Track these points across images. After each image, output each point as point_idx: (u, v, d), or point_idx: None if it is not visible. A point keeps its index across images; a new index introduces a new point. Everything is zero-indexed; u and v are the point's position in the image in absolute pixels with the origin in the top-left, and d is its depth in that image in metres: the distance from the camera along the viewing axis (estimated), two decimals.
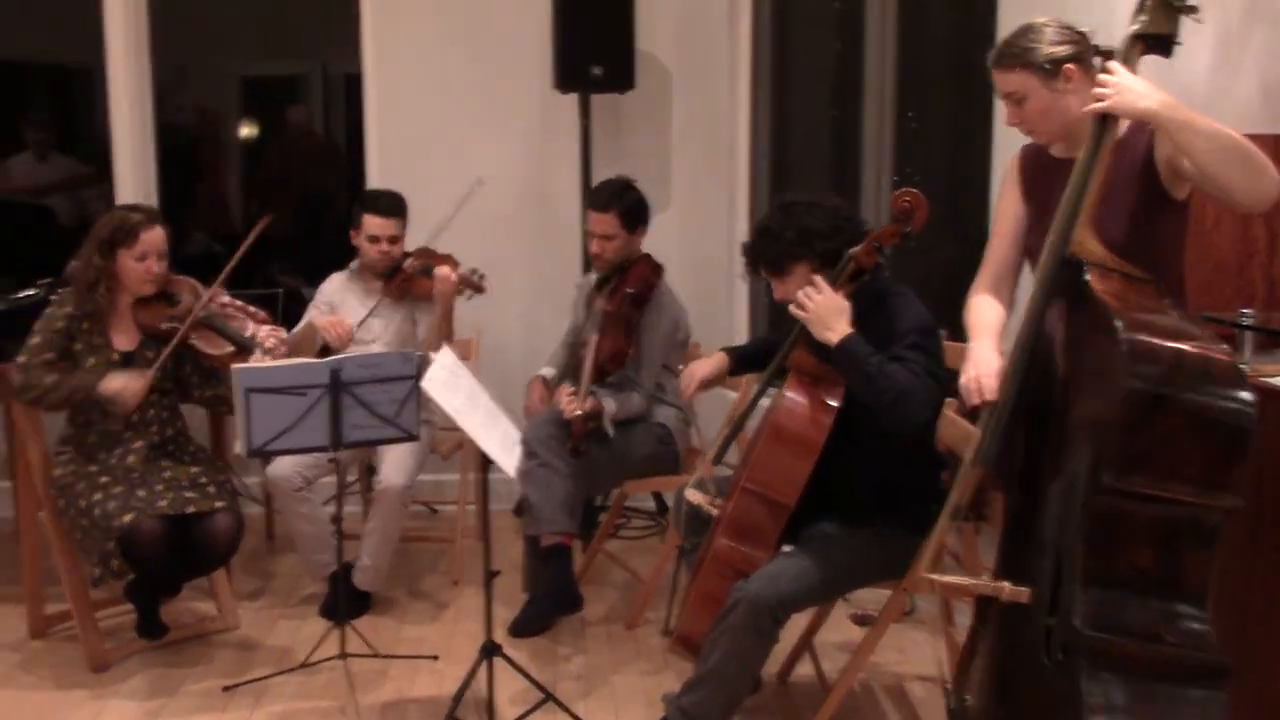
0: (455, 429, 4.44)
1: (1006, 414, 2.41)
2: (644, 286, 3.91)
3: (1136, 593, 2.18)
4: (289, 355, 4.17)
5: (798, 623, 3.25)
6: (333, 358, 3.33)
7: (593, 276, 4.17)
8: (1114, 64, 2.38)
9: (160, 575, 3.65)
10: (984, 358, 2.61)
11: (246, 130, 7.27)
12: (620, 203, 3.93)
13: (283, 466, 3.88)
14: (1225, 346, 2.18)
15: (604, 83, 4.63)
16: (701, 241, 5.08)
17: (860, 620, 3.84)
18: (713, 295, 5.08)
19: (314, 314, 4.20)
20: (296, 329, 4.15)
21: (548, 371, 4.16)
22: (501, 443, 3.01)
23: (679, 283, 4.10)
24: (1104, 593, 2.18)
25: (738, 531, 2.96)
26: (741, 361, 3.37)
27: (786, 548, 3.12)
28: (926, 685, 3.56)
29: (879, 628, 2.99)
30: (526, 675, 3.30)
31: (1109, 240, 2.44)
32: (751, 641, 2.86)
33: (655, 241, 4.92)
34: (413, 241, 4.23)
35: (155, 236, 3.65)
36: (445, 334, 4.10)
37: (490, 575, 3.17)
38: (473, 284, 4.02)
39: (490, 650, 3.18)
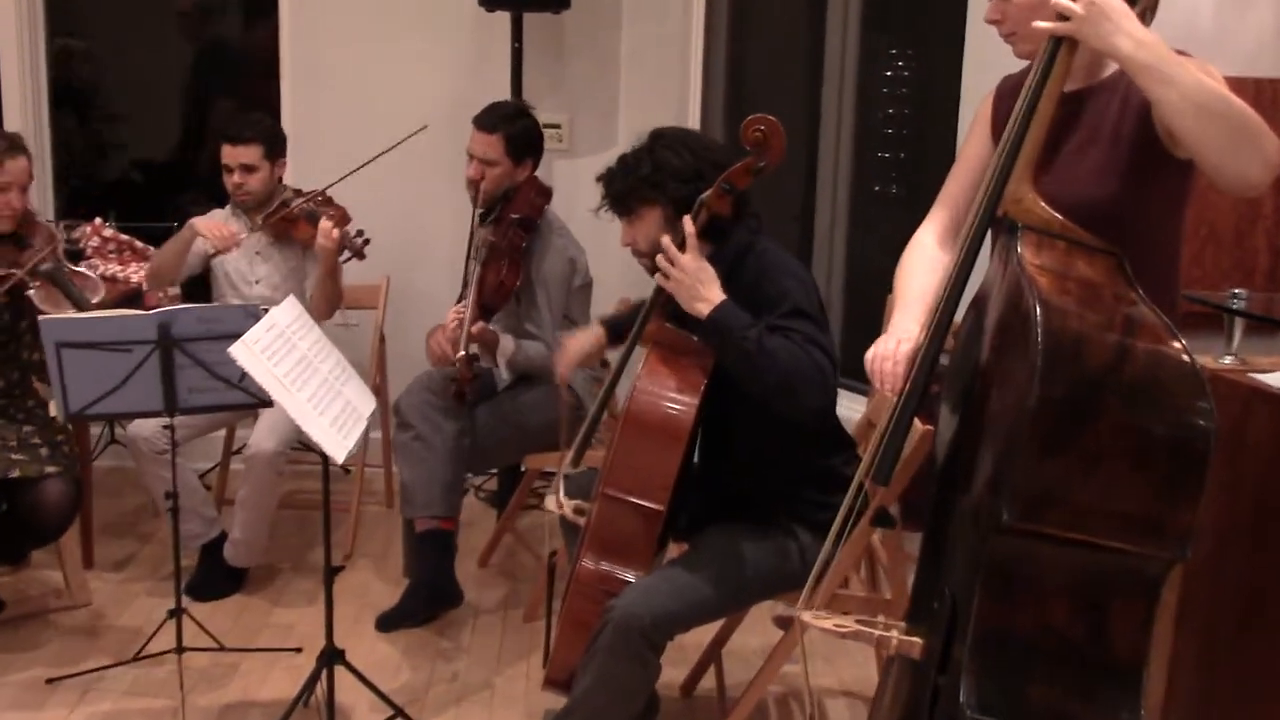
0: None
1: (908, 418, 1.91)
2: (531, 210, 3.41)
3: (1046, 662, 1.68)
4: (148, 280, 3.73)
5: (709, 626, 2.79)
6: (162, 309, 2.86)
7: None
8: None
9: None
10: (901, 332, 2.06)
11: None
12: (508, 126, 3.41)
13: (145, 425, 3.42)
14: (1181, 344, 1.66)
15: None
16: None
17: (784, 623, 3.36)
18: None
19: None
20: (160, 250, 3.70)
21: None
22: (339, 419, 2.53)
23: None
24: (1002, 659, 1.68)
25: (604, 546, 2.48)
26: (620, 332, 2.88)
27: (674, 551, 2.66)
28: (853, 703, 3.10)
29: (769, 670, 2.52)
30: (372, 687, 2.85)
31: (1086, 201, 1.92)
32: (624, 670, 2.39)
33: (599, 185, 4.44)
34: (320, 180, 3.73)
35: (19, 166, 3.20)
36: (331, 294, 3.63)
37: (332, 571, 2.72)
38: (352, 246, 3.52)
39: (330, 658, 2.72)
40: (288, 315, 2.63)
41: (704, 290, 2.40)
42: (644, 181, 2.50)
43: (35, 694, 3.02)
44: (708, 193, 2.43)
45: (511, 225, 3.38)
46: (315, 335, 2.69)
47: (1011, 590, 1.72)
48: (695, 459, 2.64)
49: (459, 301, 3.47)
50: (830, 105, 4.12)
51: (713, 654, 3.08)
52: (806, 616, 1.94)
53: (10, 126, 4.48)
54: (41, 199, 4.59)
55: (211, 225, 3.57)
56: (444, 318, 3.39)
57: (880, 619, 1.94)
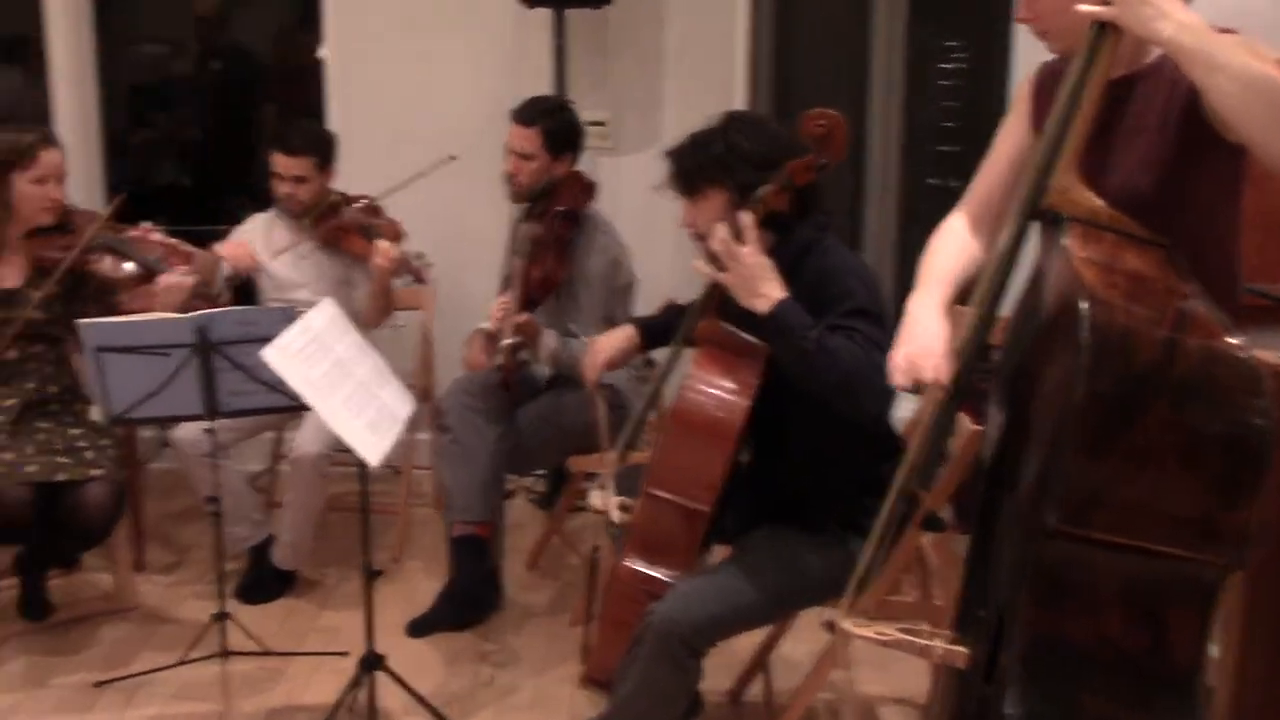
0: (408, 385, 4.02)
1: (949, 419, 1.84)
2: (576, 203, 3.38)
3: (1099, 672, 1.61)
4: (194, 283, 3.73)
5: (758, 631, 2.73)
6: (200, 313, 2.85)
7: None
8: None
9: (32, 549, 3.24)
10: (923, 325, 1.98)
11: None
12: (547, 119, 3.37)
13: (190, 428, 3.42)
14: (1237, 338, 1.59)
15: None
16: None
17: (833, 628, 3.29)
18: None
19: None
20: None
21: (488, 325, 3.63)
22: (375, 421, 2.51)
23: (667, 231, 3.49)
24: (1051, 669, 1.62)
25: (646, 546, 2.43)
26: (654, 334, 2.82)
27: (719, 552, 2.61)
28: (906, 711, 3.03)
29: (816, 678, 2.46)
30: (412, 692, 2.82)
31: (1130, 190, 1.85)
32: (664, 675, 2.34)
33: (645, 183, 4.33)
34: (365, 182, 3.71)
35: (55, 158, 3.22)
36: (384, 308, 3.63)
37: (371, 575, 2.70)
38: (413, 271, 3.50)
39: (371, 663, 2.70)
40: (323, 318, 2.61)
41: (763, 285, 2.31)
42: (714, 161, 2.41)
43: (84, 697, 3.03)
44: (766, 188, 2.36)
45: (557, 217, 3.34)
46: (352, 338, 2.67)
47: (1060, 597, 1.65)
48: (746, 458, 2.59)
49: (501, 295, 3.44)
50: (878, 98, 4.05)
51: (761, 660, 3.02)
52: (847, 624, 1.88)
53: (62, 129, 4.52)
54: (91, 203, 4.62)
55: (232, 246, 3.60)
56: (481, 316, 3.37)
57: (924, 627, 1.88)
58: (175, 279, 3.23)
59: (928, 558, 2.85)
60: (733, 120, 2.48)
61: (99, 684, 3.07)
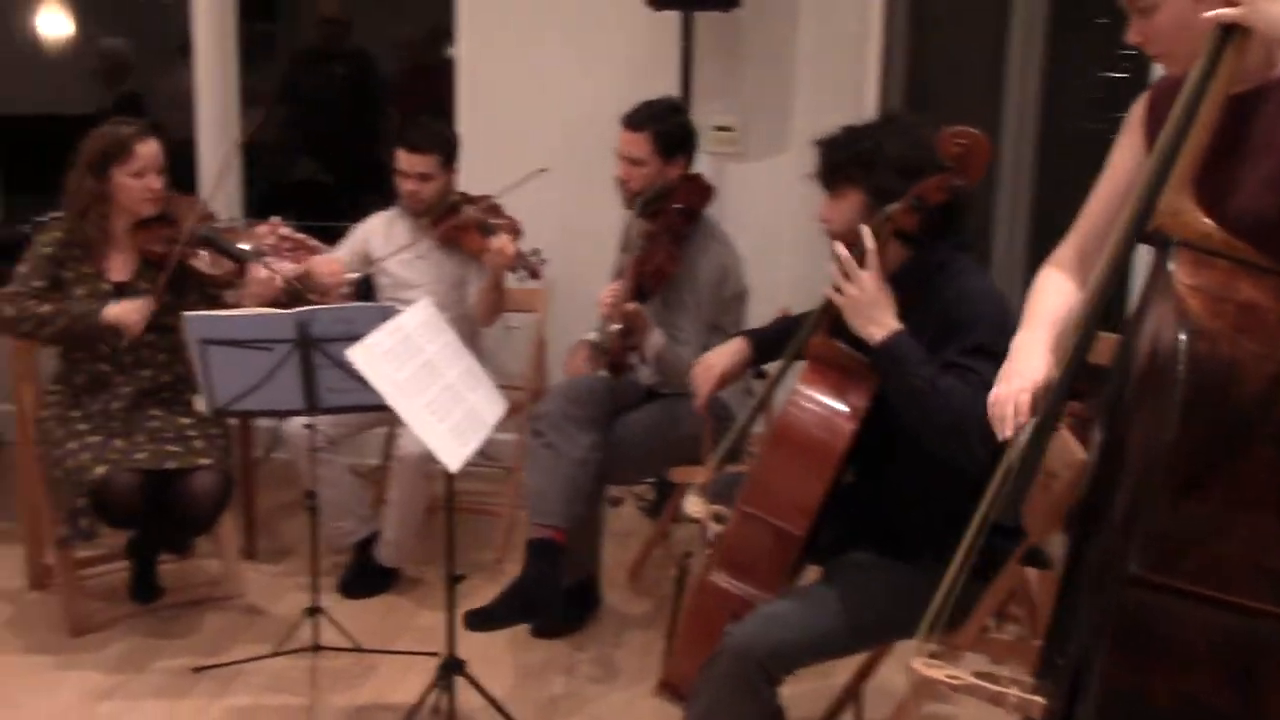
0: (510, 387, 4.00)
1: (1038, 453, 1.71)
2: (694, 202, 3.30)
3: None
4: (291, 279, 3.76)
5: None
6: (301, 309, 2.87)
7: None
8: None
9: (141, 534, 3.32)
10: (1028, 363, 1.87)
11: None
12: (657, 123, 3.29)
13: (298, 422, 3.47)
14: None
15: None
16: None
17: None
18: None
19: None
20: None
21: (594, 336, 3.58)
22: (459, 425, 2.48)
23: (796, 240, 3.42)
24: None
25: (733, 563, 2.35)
26: (766, 348, 2.72)
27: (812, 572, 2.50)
28: None
29: (902, 714, 2.34)
30: (490, 700, 2.79)
31: (1252, 213, 1.70)
32: (735, 701, 2.25)
33: (771, 190, 4.28)
34: (484, 181, 3.72)
35: (152, 150, 3.26)
36: (496, 304, 3.61)
37: (454, 579, 2.68)
38: (529, 266, 3.46)
39: (451, 667, 2.68)
40: (417, 318, 2.60)
41: (879, 313, 2.22)
42: (856, 158, 2.31)
43: (181, 682, 3.09)
44: (895, 205, 2.24)
45: (674, 213, 3.28)
46: (445, 339, 2.65)
47: (1144, 650, 1.52)
48: (849, 477, 2.48)
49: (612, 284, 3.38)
50: (1011, 110, 3.88)
51: (854, 689, 2.90)
52: (918, 665, 1.77)
53: (201, 121, 4.66)
54: (229, 198, 4.75)
55: (322, 261, 3.60)
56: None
57: (1003, 671, 1.76)
58: (263, 273, 3.25)
59: (1033, 595, 2.70)
60: (889, 121, 2.39)
61: (197, 670, 3.13)
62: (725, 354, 2.75)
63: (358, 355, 2.38)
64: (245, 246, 3.35)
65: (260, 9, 4.96)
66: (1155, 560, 1.45)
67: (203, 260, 3.29)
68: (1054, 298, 1.99)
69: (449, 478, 2.61)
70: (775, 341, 2.72)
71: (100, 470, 3.05)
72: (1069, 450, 2.13)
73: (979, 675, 1.74)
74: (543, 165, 3.55)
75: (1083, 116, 3.81)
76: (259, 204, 4.88)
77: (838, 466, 2.27)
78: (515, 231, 3.60)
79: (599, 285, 4.23)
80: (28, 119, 4.90)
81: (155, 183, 3.25)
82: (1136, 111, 1.99)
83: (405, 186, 3.67)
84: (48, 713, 2.96)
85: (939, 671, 1.73)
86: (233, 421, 3.58)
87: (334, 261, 3.63)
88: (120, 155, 3.21)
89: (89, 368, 3.28)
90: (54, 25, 5.12)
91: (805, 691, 2.81)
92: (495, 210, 3.67)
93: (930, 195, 2.19)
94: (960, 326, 2.22)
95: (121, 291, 3.26)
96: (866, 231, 2.24)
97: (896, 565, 2.36)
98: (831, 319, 2.36)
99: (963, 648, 2.31)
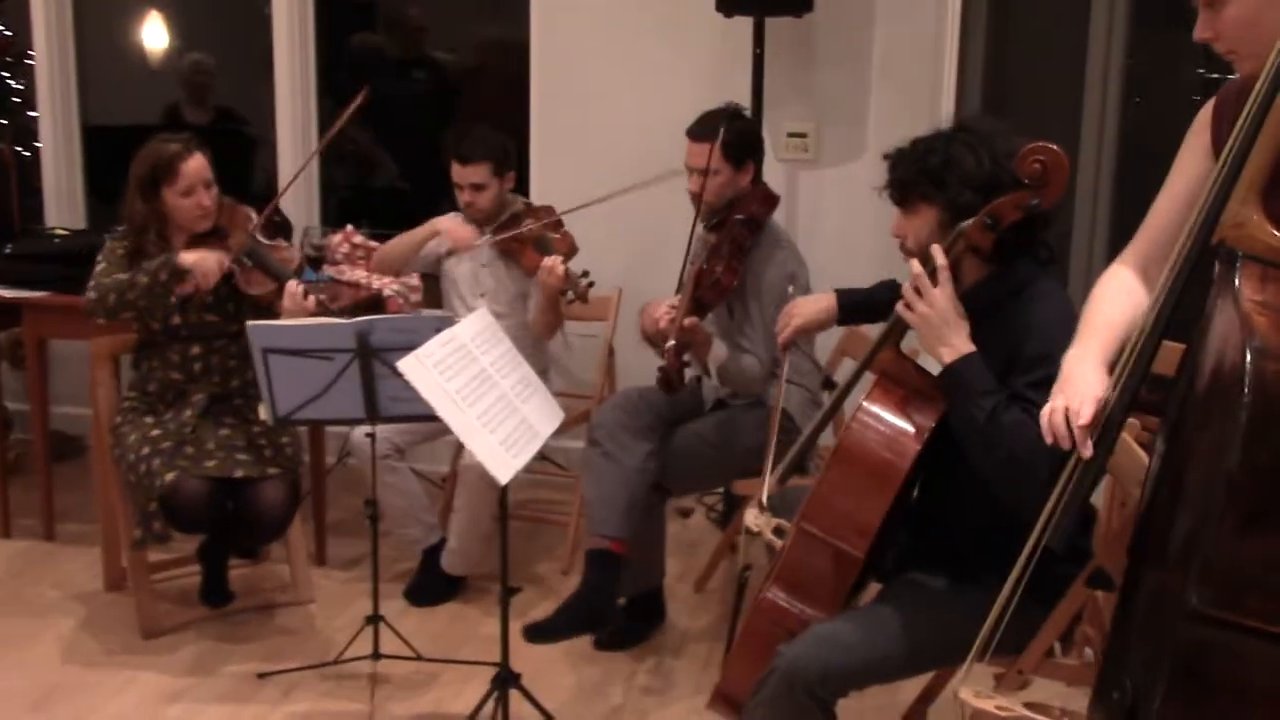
0: (579, 395, 3.99)
1: (1097, 474, 1.64)
2: (756, 212, 3.25)
3: None
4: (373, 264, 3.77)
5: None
6: (361, 319, 2.88)
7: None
8: None
9: (210, 540, 3.37)
10: (1085, 379, 1.79)
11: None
12: (722, 131, 3.24)
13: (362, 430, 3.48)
14: None
15: (779, 2, 3.90)
16: None
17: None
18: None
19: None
20: (392, 240, 3.80)
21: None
22: (510, 437, 2.46)
23: (873, 248, 3.32)
24: None
25: (791, 581, 2.30)
26: (854, 308, 2.63)
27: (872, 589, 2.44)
28: None
29: None
30: (543, 711, 2.77)
31: None
32: None
33: (848, 197, 4.21)
34: (565, 192, 3.71)
35: (196, 166, 3.27)
36: (552, 322, 3.60)
37: (509, 592, 2.66)
38: (575, 288, 3.41)
39: (505, 680, 2.66)
40: (472, 329, 2.59)
41: (949, 334, 2.15)
42: (927, 174, 2.21)
43: (246, 687, 3.12)
44: (968, 222, 2.16)
45: (736, 224, 3.23)
46: (501, 349, 2.64)
47: (1204, 689, 1.44)
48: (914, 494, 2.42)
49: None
50: (1093, 112, 3.76)
51: (918, 711, 2.82)
52: (965, 693, 1.70)
53: (280, 133, 4.72)
54: (309, 207, 4.80)
55: (455, 226, 3.65)
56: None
57: (1054, 703, 1.68)
58: (295, 289, 3.22)
59: (1104, 618, 2.60)
60: (961, 130, 2.26)
61: (261, 675, 3.15)
62: (811, 304, 2.72)
63: (408, 366, 2.37)
64: (287, 266, 3.35)
65: (359, 20, 5.00)
66: (1216, 596, 1.37)
67: (242, 281, 3.31)
68: (1109, 306, 1.90)
69: (504, 489, 2.59)
70: (865, 304, 2.66)
71: (170, 476, 3.09)
72: (1142, 467, 2.05)
73: (1030, 706, 1.68)
74: (614, 174, 3.52)
75: (1169, 112, 3.67)
76: (339, 211, 4.94)
77: (900, 487, 2.21)
78: (569, 251, 3.58)
79: (667, 292, 4.19)
80: (119, 129, 5.00)
81: (205, 199, 3.28)
82: (1203, 114, 1.91)
83: (462, 198, 3.70)
84: (116, 713, 3.00)
85: (988, 702, 1.67)
86: (304, 429, 3.62)
87: (463, 228, 3.70)
88: (167, 176, 3.24)
89: (161, 375, 3.33)
90: (152, 37, 5.23)
91: (870, 708, 2.74)
92: (556, 224, 3.66)
93: (1005, 214, 2.11)
94: (1030, 359, 2.14)
95: (185, 304, 3.30)
96: (937, 249, 2.18)
97: (959, 586, 2.29)
98: (902, 333, 2.29)
99: (1026, 672, 2.23)
